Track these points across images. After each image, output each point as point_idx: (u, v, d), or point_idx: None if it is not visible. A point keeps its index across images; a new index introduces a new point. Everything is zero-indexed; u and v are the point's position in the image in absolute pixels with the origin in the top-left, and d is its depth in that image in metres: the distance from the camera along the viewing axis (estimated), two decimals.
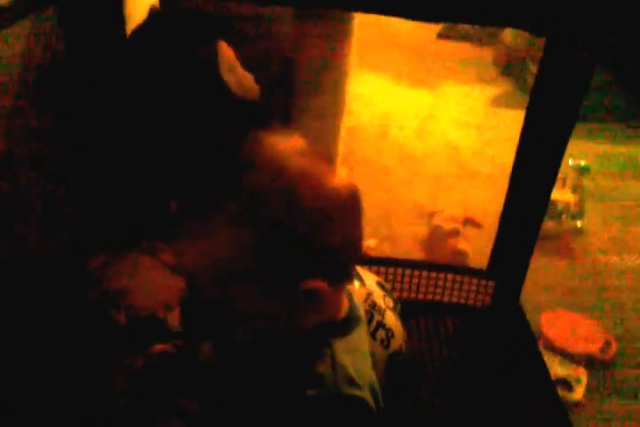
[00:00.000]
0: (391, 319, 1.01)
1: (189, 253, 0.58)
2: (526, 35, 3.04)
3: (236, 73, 1.13)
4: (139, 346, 0.94)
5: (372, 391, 0.62)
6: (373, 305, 1.00)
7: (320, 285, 0.59)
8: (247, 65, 1.15)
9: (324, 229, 0.58)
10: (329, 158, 0.63)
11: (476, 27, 3.69)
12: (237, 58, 1.14)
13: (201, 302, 0.60)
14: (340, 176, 0.60)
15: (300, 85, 1.34)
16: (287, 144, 0.59)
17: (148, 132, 1.07)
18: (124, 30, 1.10)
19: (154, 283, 1.04)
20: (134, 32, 1.08)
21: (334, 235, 0.58)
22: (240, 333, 0.59)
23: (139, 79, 1.05)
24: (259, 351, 0.60)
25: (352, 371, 0.60)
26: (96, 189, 1.09)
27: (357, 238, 0.62)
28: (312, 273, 0.58)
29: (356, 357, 0.63)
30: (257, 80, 1.17)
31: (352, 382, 0.59)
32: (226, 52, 1.11)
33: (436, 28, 3.84)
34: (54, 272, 1.03)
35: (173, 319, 1.01)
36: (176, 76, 1.05)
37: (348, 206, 0.60)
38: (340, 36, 1.38)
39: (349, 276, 0.66)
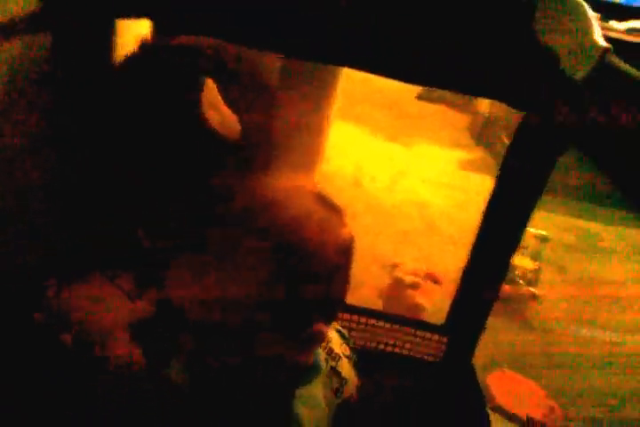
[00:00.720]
0: (346, 368, 1.02)
1: (191, 285, 0.59)
2: (502, 105, 3.16)
3: (219, 111, 1.15)
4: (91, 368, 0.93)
5: None
6: (330, 352, 1.01)
7: (324, 327, 0.63)
8: (229, 104, 1.17)
9: (339, 278, 0.63)
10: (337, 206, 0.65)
11: (455, 92, 3.82)
12: (223, 98, 1.16)
13: (187, 327, 0.60)
14: (348, 226, 0.64)
15: (282, 125, 1.37)
16: (307, 191, 0.61)
17: (126, 163, 1.08)
18: (111, 61, 1.11)
19: (110, 308, 1.03)
20: (121, 63, 1.10)
21: (343, 283, 0.64)
22: (232, 359, 0.60)
23: (120, 111, 1.06)
24: (238, 379, 0.61)
25: (306, 422, 0.61)
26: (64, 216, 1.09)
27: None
28: (320, 317, 0.62)
29: (315, 409, 0.64)
30: (240, 122, 1.19)
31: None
32: (211, 89, 1.13)
33: (416, 89, 3.97)
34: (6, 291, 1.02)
35: (118, 346, 1.00)
36: (156, 108, 1.06)
37: (352, 256, 0.64)
38: (327, 82, 1.41)
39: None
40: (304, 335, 0.62)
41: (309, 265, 0.60)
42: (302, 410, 0.61)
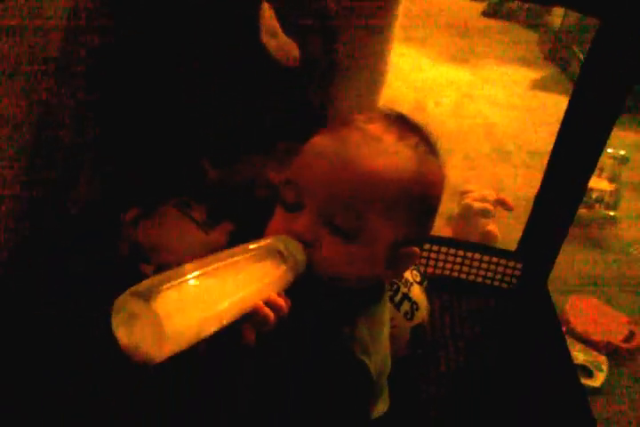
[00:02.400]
0: (417, 293, 1.02)
1: None
2: (575, 17, 2.97)
3: (276, 37, 1.12)
4: None
5: (380, 365, 0.63)
6: (400, 277, 1.01)
7: (416, 250, 0.64)
8: (288, 29, 1.14)
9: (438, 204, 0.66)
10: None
11: (523, 6, 3.61)
12: (280, 23, 1.13)
13: None
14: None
15: (342, 53, 1.33)
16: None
17: (185, 92, 1.07)
18: None
19: (184, 239, 1.05)
20: None
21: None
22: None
23: (176, 36, 1.05)
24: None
25: (368, 341, 0.61)
26: (127, 145, 1.09)
27: None
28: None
29: (375, 331, 0.64)
30: (298, 46, 1.16)
31: (365, 350, 0.59)
32: (268, 15, 1.10)
33: (480, 5, 3.77)
34: (86, 225, 1.05)
35: None
36: (215, 35, 1.04)
37: None
38: (386, 4, 1.35)
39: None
40: (401, 252, 0.62)
41: (433, 194, 0.64)
42: (363, 323, 0.61)
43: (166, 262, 1.03)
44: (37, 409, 0.82)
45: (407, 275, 1.02)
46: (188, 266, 0.50)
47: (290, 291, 0.57)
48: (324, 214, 0.58)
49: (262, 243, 0.57)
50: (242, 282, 0.53)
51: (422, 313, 1.03)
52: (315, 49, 1.21)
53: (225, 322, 0.50)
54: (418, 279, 1.05)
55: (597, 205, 1.88)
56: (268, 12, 1.10)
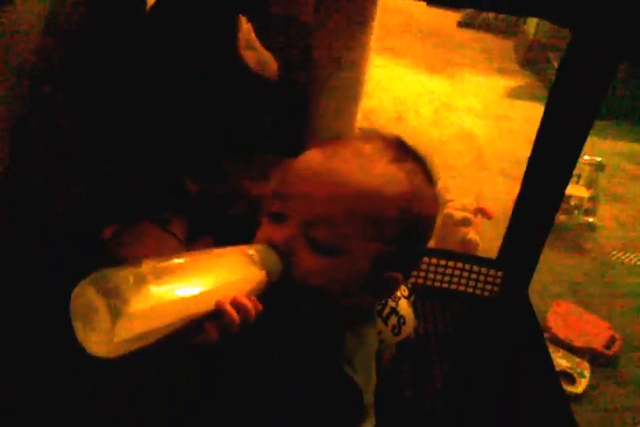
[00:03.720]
0: (404, 307, 1.02)
1: None
2: (550, 26, 3.01)
3: (255, 51, 1.13)
4: None
5: (366, 381, 0.62)
6: None
7: (399, 276, 0.62)
8: (266, 43, 1.14)
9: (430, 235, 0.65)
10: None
11: (499, 16, 3.66)
12: (256, 35, 1.13)
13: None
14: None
15: (321, 63, 1.34)
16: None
17: (163, 105, 1.07)
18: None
19: (164, 255, 1.05)
20: (155, 3, 1.08)
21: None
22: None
23: (156, 51, 1.05)
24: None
25: (357, 361, 0.60)
26: (104, 161, 1.09)
27: None
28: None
29: (362, 349, 0.63)
30: (276, 58, 1.16)
31: (354, 370, 0.59)
32: (246, 29, 1.11)
33: (456, 16, 3.81)
34: (67, 238, 1.04)
35: None
36: (193, 49, 1.05)
37: None
38: (363, 14, 1.36)
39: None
40: (384, 276, 0.61)
41: (422, 220, 0.63)
42: (353, 343, 0.61)
43: None
44: (37, 409, 0.81)
45: None
46: (149, 261, 0.50)
47: (272, 300, 0.56)
48: (304, 226, 0.58)
49: (235, 247, 0.57)
50: (204, 279, 0.52)
51: (409, 327, 1.03)
52: (293, 62, 1.22)
53: (183, 317, 0.49)
54: (405, 294, 1.05)
55: (576, 212, 1.90)
56: (245, 26, 1.11)
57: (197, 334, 0.52)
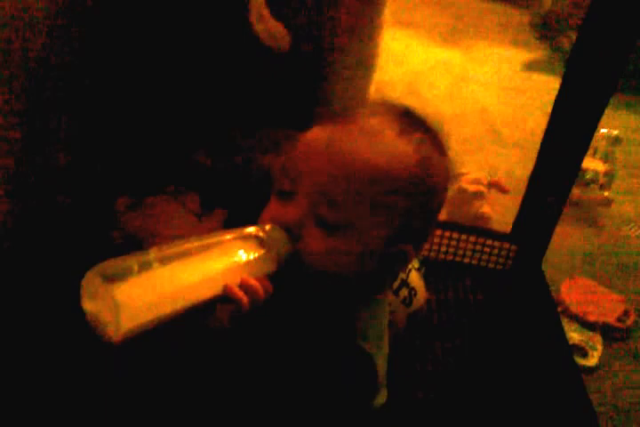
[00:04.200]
0: (415, 279, 1.03)
1: None
2: None
3: (265, 22, 1.11)
4: None
5: (381, 356, 0.62)
6: None
7: (410, 248, 0.62)
8: (277, 13, 1.13)
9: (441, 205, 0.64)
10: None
11: None
12: (267, 5, 1.12)
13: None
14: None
15: (332, 36, 1.32)
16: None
17: (175, 78, 1.07)
18: None
19: (178, 227, 1.05)
20: None
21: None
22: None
23: (167, 24, 1.04)
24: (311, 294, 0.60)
25: (371, 334, 0.61)
26: (119, 133, 1.09)
27: None
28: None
29: (375, 323, 0.64)
30: (287, 29, 1.15)
31: (369, 343, 0.59)
32: (257, 1, 1.09)
33: None
34: (79, 213, 1.05)
35: None
36: (205, 21, 1.04)
37: None
38: None
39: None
40: (394, 251, 0.61)
41: (431, 193, 0.62)
42: (366, 314, 0.61)
43: None
44: (33, 408, 0.82)
45: None
46: (155, 248, 0.50)
47: (283, 282, 0.57)
48: (312, 205, 0.58)
49: (242, 229, 0.57)
50: (211, 263, 0.52)
51: (420, 299, 1.04)
52: (304, 34, 1.20)
53: (189, 302, 0.50)
54: (416, 266, 1.05)
55: (591, 186, 1.88)
56: None
57: (208, 317, 0.53)
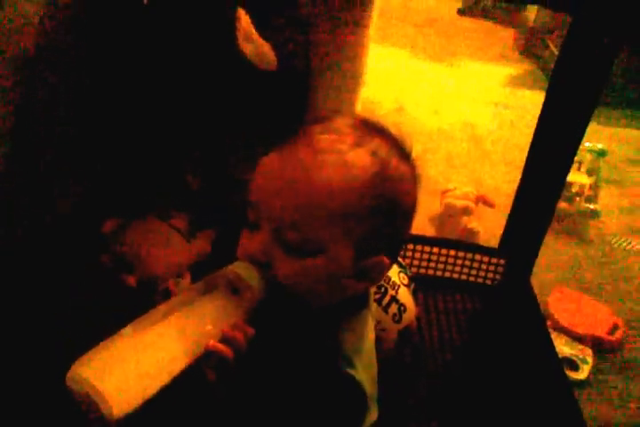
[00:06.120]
0: (404, 295, 1.03)
1: None
2: (549, 13, 3.00)
3: (253, 42, 1.12)
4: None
5: (368, 376, 0.61)
6: (388, 280, 1.01)
7: (383, 258, 0.61)
8: (264, 34, 1.14)
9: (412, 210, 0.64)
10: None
11: (498, 4, 3.64)
12: (254, 26, 1.13)
13: None
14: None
15: (318, 56, 1.33)
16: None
17: (163, 98, 1.07)
18: None
19: (167, 248, 1.05)
20: None
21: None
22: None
23: (153, 43, 1.05)
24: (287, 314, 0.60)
25: (353, 352, 0.60)
26: (106, 154, 1.09)
27: None
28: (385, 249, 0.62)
29: (361, 343, 0.63)
30: (275, 49, 1.16)
31: (351, 363, 0.58)
32: (244, 20, 1.10)
33: (456, 4, 3.79)
34: (67, 236, 1.04)
35: (184, 284, 1.03)
36: (192, 41, 1.04)
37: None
38: (361, 8, 1.36)
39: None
40: (367, 264, 0.60)
41: (402, 200, 0.62)
42: (347, 334, 0.61)
43: (150, 273, 1.02)
44: None
45: (395, 278, 1.03)
46: (129, 326, 0.51)
47: (262, 315, 0.57)
48: (276, 233, 0.57)
49: (211, 279, 0.57)
50: (188, 327, 0.53)
51: (410, 315, 1.04)
52: (291, 53, 1.21)
53: (175, 372, 0.51)
54: (405, 282, 1.06)
55: (577, 199, 1.90)
56: (244, 17, 1.10)
57: (195, 377, 0.53)
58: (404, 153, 0.63)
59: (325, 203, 0.56)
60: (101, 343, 0.50)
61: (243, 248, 0.60)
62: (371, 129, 0.62)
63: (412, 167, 0.64)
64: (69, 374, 0.48)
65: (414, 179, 0.63)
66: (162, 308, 0.53)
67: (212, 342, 0.53)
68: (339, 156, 0.58)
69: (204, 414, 0.60)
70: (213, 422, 0.60)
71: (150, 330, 0.51)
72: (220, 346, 0.53)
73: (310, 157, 0.57)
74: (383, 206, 0.59)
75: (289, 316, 0.60)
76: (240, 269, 0.57)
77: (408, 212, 0.64)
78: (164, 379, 0.50)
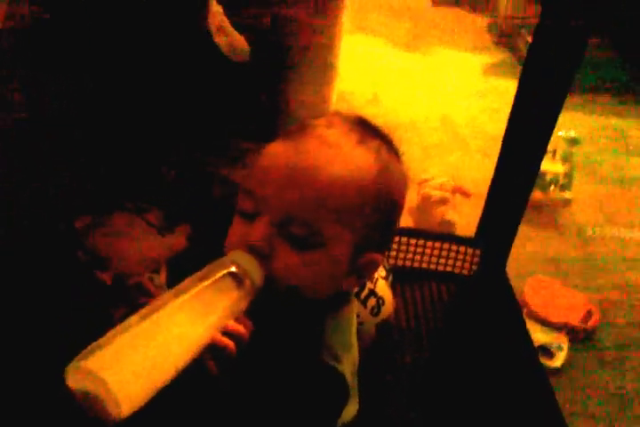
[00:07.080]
0: (383, 288, 1.03)
1: None
2: (521, 1, 3.02)
3: (226, 34, 1.11)
4: (125, 301, 0.94)
5: (351, 368, 0.62)
6: None
7: (378, 256, 0.63)
8: (236, 26, 1.13)
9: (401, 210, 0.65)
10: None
11: None
12: (227, 18, 1.12)
13: None
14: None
15: (290, 48, 1.33)
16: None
17: (135, 91, 1.06)
18: None
19: (141, 244, 1.04)
20: None
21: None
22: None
23: (125, 37, 1.03)
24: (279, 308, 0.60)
25: (337, 345, 0.61)
26: (80, 150, 1.07)
27: None
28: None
29: (343, 334, 0.64)
30: (247, 41, 1.15)
31: (335, 355, 0.59)
32: (215, 11, 1.09)
33: None
34: (42, 234, 1.03)
35: (160, 279, 1.02)
36: (163, 34, 1.03)
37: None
38: None
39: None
40: (360, 262, 0.61)
41: (395, 198, 0.63)
42: (331, 329, 0.61)
43: (125, 268, 1.01)
44: None
45: None
46: (134, 316, 0.49)
47: (252, 305, 0.56)
48: (280, 224, 0.57)
49: (213, 269, 0.55)
50: (193, 320, 0.51)
51: (388, 308, 1.04)
52: (264, 44, 1.21)
53: (181, 365, 0.50)
54: (383, 274, 1.06)
55: (552, 188, 1.91)
56: (215, 9, 1.09)
57: (197, 370, 0.52)
58: (398, 156, 0.64)
59: (336, 197, 0.57)
60: (104, 336, 0.48)
61: (237, 237, 0.59)
62: (370, 129, 0.63)
63: (405, 170, 0.65)
64: (70, 369, 0.45)
65: (406, 182, 0.65)
66: (165, 299, 0.52)
67: (217, 335, 0.52)
68: (347, 151, 0.59)
69: (200, 407, 0.60)
70: (209, 414, 0.60)
71: (156, 321, 0.50)
72: (224, 339, 0.53)
73: (321, 150, 0.58)
74: (382, 205, 0.61)
75: (277, 307, 0.60)
76: (241, 259, 0.56)
77: (398, 212, 0.65)
78: (170, 372, 0.49)
